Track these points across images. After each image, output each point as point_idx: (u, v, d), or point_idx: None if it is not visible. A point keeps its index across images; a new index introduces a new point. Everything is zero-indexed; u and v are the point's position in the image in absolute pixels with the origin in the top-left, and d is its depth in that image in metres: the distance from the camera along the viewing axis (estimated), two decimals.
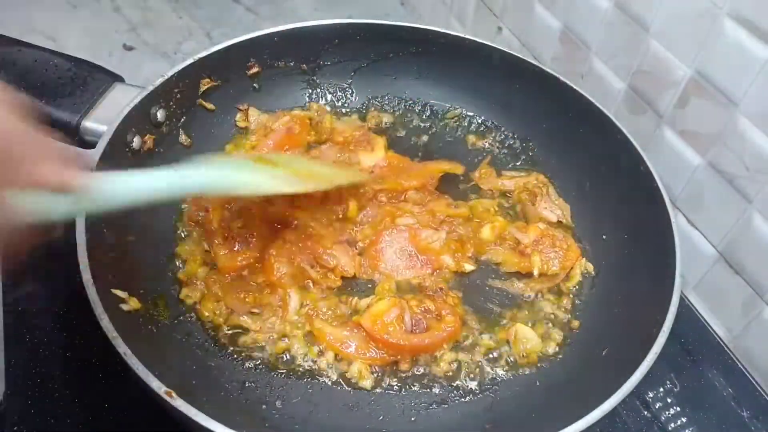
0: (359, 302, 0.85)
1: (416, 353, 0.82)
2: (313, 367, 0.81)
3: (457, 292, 0.89)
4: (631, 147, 0.93)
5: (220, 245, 0.88)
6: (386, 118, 1.12)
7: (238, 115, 1.05)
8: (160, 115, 0.92)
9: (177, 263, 0.88)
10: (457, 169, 1.04)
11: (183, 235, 0.91)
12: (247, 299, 0.85)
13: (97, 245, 0.74)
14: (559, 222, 0.98)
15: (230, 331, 0.83)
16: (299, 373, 0.80)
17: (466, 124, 1.12)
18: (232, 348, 0.82)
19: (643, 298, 0.84)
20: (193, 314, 0.84)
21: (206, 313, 0.84)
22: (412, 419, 0.77)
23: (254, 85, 1.06)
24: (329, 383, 0.80)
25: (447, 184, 1.02)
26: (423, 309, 0.84)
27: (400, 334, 0.81)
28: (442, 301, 0.86)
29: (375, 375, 0.81)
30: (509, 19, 1.33)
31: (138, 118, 0.88)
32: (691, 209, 1.00)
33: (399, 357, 0.81)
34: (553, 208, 0.99)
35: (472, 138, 1.10)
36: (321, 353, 0.82)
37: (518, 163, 1.07)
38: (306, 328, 0.84)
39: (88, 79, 0.90)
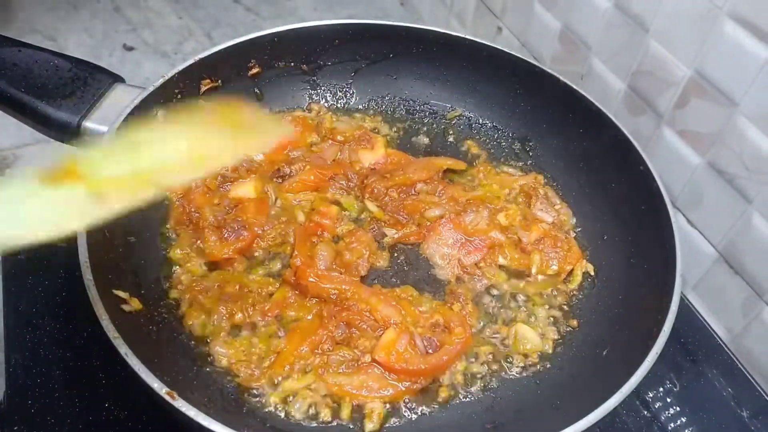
0: (365, 342, 0.81)
1: (438, 372, 0.80)
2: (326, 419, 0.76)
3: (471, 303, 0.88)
4: (631, 147, 0.93)
5: (210, 233, 0.87)
6: (386, 119, 1.12)
7: None
8: (161, 115, 0.92)
9: (172, 265, 0.88)
10: (460, 165, 1.05)
11: (173, 236, 0.90)
12: (235, 315, 0.81)
13: (98, 246, 0.75)
14: (554, 223, 0.98)
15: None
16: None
17: (466, 124, 1.13)
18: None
19: (643, 298, 0.84)
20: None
21: (190, 322, 0.81)
22: (413, 419, 0.78)
23: (255, 85, 1.06)
24: None
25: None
26: (431, 324, 0.83)
27: (418, 359, 0.79)
28: (449, 311, 0.85)
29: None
30: (509, 20, 1.33)
31: (139, 119, 0.88)
32: (690, 209, 1.00)
33: (424, 382, 0.79)
34: (548, 209, 0.99)
35: (472, 138, 1.11)
36: (337, 411, 0.76)
37: (518, 163, 1.07)
38: (304, 381, 0.78)
39: (88, 80, 0.90)
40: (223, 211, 0.91)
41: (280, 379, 0.77)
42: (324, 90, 1.12)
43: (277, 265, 0.89)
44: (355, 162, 1.03)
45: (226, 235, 0.88)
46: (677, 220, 0.85)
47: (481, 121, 1.12)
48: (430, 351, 0.81)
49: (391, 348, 0.79)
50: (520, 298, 0.90)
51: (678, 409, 0.88)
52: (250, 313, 0.82)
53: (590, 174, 1.00)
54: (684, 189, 1.00)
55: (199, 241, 0.88)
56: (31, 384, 0.81)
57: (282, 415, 0.76)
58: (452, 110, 1.13)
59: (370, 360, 0.79)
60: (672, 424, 0.87)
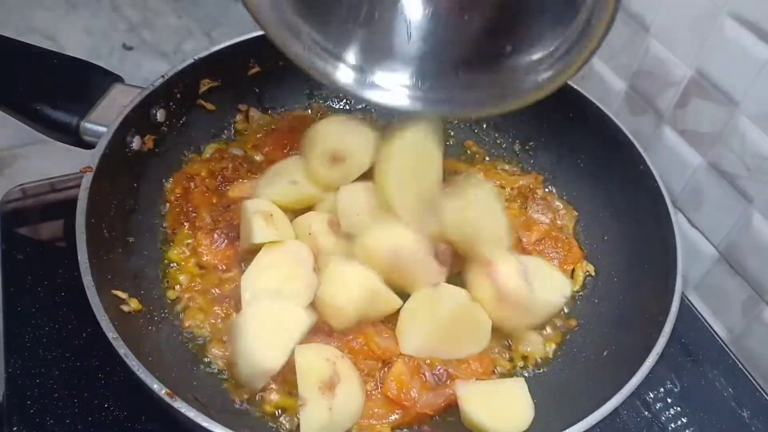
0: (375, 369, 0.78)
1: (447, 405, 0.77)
2: None
3: None
4: (631, 147, 0.92)
5: (203, 237, 0.87)
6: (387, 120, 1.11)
7: (239, 116, 1.05)
8: (160, 115, 0.92)
9: (171, 265, 0.88)
10: (459, 166, 1.04)
11: (172, 236, 0.90)
12: (232, 316, 0.80)
13: (97, 246, 0.74)
14: (553, 225, 0.98)
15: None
16: None
17: (466, 124, 1.12)
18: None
19: (643, 298, 0.84)
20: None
21: (188, 323, 0.81)
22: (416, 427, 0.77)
23: (255, 85, 1.06)
24: None
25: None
26: None
27: (427, 396, 0.75)
28: None
29: None
30: None
31: (138, 119, 0.88)
32: (691, 209, 1.00)
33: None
34: (545, 211, 0.98)
35: (472, 138, 1.10)
36: None
37: (518, 164, 1.07)
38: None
39: (87, 80, 0.90)
40: (218, 212, 0.90)
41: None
42: (324, 90, 1.12)
43: None
44: None
45: (215, 237, 0.87)
46: (678, 220, 0.85)
47: (481, 121, 1.12)
48: (441, 382, 0.77)
49: (400, 385, 0.75)
50: None
51: (678, 409, 0.88)
52: None
53: (590, 174, 1.00)
54: (685, 189, 1.00)
55: (194, 241, 0.88)
56: (31, 384, 0.80)
57: (282, 416, 0.76)
58: None
59: (378, 390, 0.76)
60: (672, 425, 0.86)
